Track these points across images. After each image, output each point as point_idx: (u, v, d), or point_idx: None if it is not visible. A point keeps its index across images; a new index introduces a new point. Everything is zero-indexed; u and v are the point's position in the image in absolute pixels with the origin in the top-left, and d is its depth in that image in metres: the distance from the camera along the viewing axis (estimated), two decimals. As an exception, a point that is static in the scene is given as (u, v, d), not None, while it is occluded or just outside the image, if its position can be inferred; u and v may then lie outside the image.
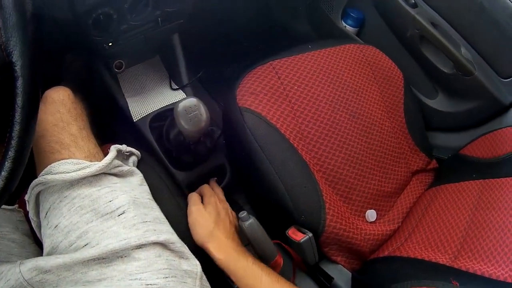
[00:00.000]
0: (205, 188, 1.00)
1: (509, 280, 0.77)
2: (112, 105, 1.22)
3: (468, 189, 1.09)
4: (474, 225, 0.96)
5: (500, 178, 1.05)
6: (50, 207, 0.71)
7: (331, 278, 1.05)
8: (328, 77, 1.18)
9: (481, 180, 1.09)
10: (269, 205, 1.05)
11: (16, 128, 0.54)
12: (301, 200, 0.98)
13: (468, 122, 1.45)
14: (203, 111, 0.89)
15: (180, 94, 1.27)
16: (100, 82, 1.22)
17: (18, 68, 0.55)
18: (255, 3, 1.70)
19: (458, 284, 0.79)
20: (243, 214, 0.88)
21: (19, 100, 0.55)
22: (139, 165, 0.87)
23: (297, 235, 0.96)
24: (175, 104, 0.89)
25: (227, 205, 0.99)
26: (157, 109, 1.20)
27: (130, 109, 1.20)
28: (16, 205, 0.90)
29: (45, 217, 0.72)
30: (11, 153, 0.54)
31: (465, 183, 1.12)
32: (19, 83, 0.55)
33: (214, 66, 1.57)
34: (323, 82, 1.16)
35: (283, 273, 0.96)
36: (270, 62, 1.15)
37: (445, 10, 1.37)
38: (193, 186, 1.07)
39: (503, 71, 1.33)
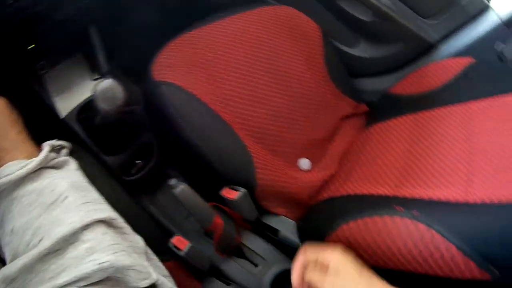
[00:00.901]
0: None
1: (460, 200, 0.80)
2: (41, 106, 1.21)
3: (401, 124, 1.11)
4: (413, 155, 0.98)
5: (433, 110, 1.08)
6: (3, 214, 0.71)
7: (277, 231, 1.06)
8: (242, 41, 1.17)
9: (413, 114, 1.11)
10: (199, 171, 1.05)
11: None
12: (228, 160, 0.99)
13: (394, 64, 1.46)
14: (119, 90, 0.90)
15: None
16: (26, 85, 1.21)
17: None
18: None
19: (402, 209, 0.81)
20: (173, 181, 0.88)
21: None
22: (72, 156, 0.86)
23: (231, 194, 0.96)
24: (94, 89, 0.91)
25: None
26: (81, 101, 1.19)
27: (57, 106, 1.19)
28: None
29: (1, 224, 0.72)
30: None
31: (398, 119, 1.14)
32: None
33: (134, 49, 1.56)
34: (237, 45, 1.16)
35: (228, 234, 1.00)
36: (182, 35, 1.14)
37: None
38: (125, 168, 1.10)
39: (423, 11, 1.35)
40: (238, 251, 1.08)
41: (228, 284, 1.05)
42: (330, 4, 1.41)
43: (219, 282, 1.06)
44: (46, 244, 0.62)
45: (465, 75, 1.15)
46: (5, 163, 0.72)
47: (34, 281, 0.62)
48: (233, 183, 0.99)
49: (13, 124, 0.82)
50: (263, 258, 1.07)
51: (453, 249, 0.73)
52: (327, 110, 1.25)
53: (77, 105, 1.18)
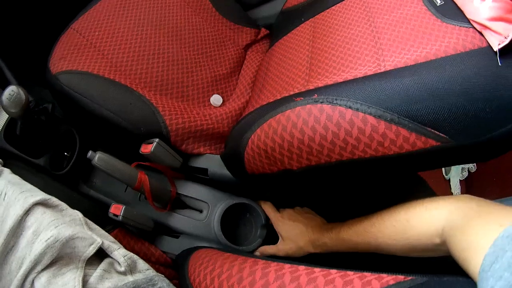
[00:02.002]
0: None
1: (370, 73, 0.63)
2: None
3: (300, 31, 0.98)
4: (317, 53, 0.83)
5: (327, 9, 0.93)
6: None
7: (206, 170, 0.96)
8: (125, 11, 1.05)
9: (310, 19, 0.97)
10: (115, 137, 0.96)
11: None
12: (133, 117, 0.88)
13: None
14: (21, 92, 0.83)
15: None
16: None
17: None
18: None
19: (302, 98, 0.67)
20: (89, 154, 0.79)
21: None
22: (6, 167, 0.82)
23: (147, 148, 0.86)
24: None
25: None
26: (4, 121, 1.04)
27: None
28: None
29: None
30: None
31: (297, 29, 1.00)
32: None
33: (36, 57, 1.39)
34: (121, 16, 1.04)
35: (158, 188, 0.89)
36: (71, 26, 1.02)
37: None
38: (56, 164, 1.00)
39: None
40: (179, 203, 0.98)
41: (177, 237, 0.95)
42: None
43: (169, 237, 0.96)
44: (0, 241, 0.60)
45: None
46: None
47: (2, 285, 0.61)
48: (148, 138, 0.89)
49: None
50: (205, 202, 0.96)
51: (371, 119, 0.57)
52: (226, 44, 1.13)
53: (2, 126, 1.05)
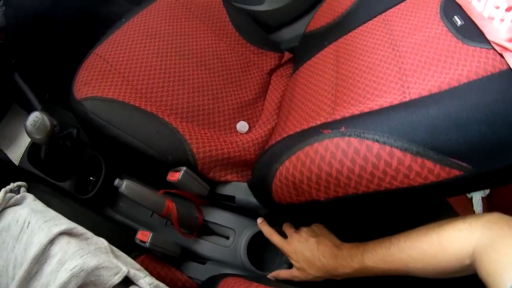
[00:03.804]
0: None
1: (395, 102, 0.67)
2: None
3: (324, 56, 1.01)
4: (341, 80, 0.87)
5: (351, 31, 0.96)
6: None
7: (233, 197, 0.99)
8: (149, 36, 1.10)
9: (333, 43, 1.01)
10: (142, 165, 1.00)
11: None
12: (161, 145, 0.92)
13: (305, 6, 1.36)
14: (45, 118, 0.86)
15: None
16: None
17: None
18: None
19: (329, 131, 0.70)
20: (116, 181, 0.83)
21: None
22: (30, 193, 0.86)
23: (175, 176, 0.90)
24: (25, 127, 0.88)
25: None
26: (27, 144, 1.14)
27: (10, 157, 1.14)
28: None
29: None
30: None
31: (320, 53, 1.04)
32: None
33: (60, 80, 1.46)
34: (145, 42, 1.08)
35: (186, 215, 0.94)
36: (94, 51, 1.07)
37: None
38: (81, 188, 1.06)
39: None
40: (206, 229, 1.02)
41: (204, 263, 1.00)
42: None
43: (196, 263, 1.00)
44: (23, 268, 0.63)
45: None
46: None
47: None
48: (175, 166, 0.93)
49: None
50: (231, 228, 1.01)
51: (397, 152, 0.60)
52: (251, 69, 1.18)
53: (26, 149, 1.13)
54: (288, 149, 0.77)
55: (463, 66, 0.62)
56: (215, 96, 1.06)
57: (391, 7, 0.89)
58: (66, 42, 1.51)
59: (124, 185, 0.85)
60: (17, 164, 1.13)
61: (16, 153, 1.18)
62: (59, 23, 1.47)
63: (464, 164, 0.58)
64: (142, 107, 0.95)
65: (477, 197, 1.61)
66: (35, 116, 0.87)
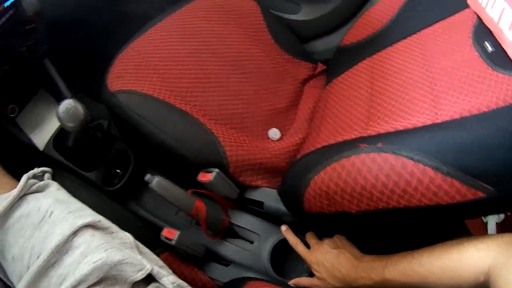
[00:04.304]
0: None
1: (428, 123, 0.74)
2: (19, 144, 1.22)
3: (359, 71, 1.07)
4: (375, 96, 0.93)
5: (386, 48, 1.03)
6: (2, 245, 0.73)
7: (261, 203, 1.05)
8: (185, 35, 1.16)
9: (368, 59, 1.07)
10: (174, 164, 1.04)
11: None
12: (195, 146, 0.97)
13: (341, 18, 1.43)
14: (79, 107, 0.91)
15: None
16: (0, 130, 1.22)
17: None
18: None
19: (366, 145, 0.76)
20: (148, 176, 0.88)
21: None
22: (55, 180, 0.90)
23: (206, 177, 0.95)
24: (56, 113, 0.92)
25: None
26: (54, 131, 1.20)
27: (34, 142, 1.20)
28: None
29: (3, 257, 0.73)
30: None
31: (355, 67, 1.10)
32: None
33: (90, 70, 1.55)
34: (181, 41, 1.14)
35: (213, 216, 0.99)
36: (129, 45, 1.13)
37: None
38: (107, 180, 1.11)
39: None
40: (231, 232, 1.07)
41: (227, 265, 1.05)
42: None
43: (218, 265, 1.06)
44: (42, 257, 0.65)
45: (409, 6, 1.09)
46: None
47: None
48: (206, 167, 0.98)
49: None
50: (256, 233, 1.06)
51: (429, 171, 0.66)
52: (285, 78, 1.23)
53: (51, 135, 1.19)
54: (324, 159, 0.83)
55: (492, 93, 0.68)
56: (249, 101, 1.11)
57: (425, 27, 0.95)
58: (99, 33, 1.60)
59: (156, 181, 0.89)
60: (41, 150, 1.18)
61: (41, 138, 1.22)
62: (93, 13, 1.57)
63: (489, 186, 0.63)
64: (177, 106, 1.00)
65: (492, 222, 1.70)
66: (69, 103, 0.91)
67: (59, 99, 1.25)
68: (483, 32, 0.80)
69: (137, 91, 1.01)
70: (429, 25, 0.95)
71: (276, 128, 1.12)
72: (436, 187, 0.67)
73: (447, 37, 0.88)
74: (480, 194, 0.63)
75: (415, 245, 0.79)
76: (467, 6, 0.87)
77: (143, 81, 1.03)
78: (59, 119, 0.91)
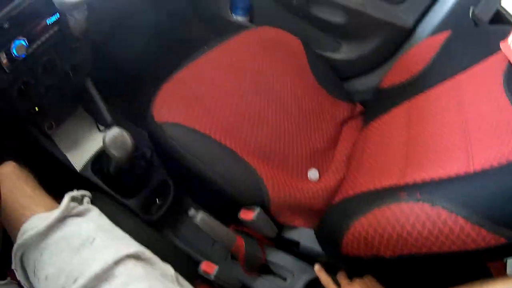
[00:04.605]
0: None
1: (461, 172, 0.83)
2: (54, 162, 1.35)
3: (397, 114, 1.22)
4: (412, 142, 1.06)
5: (423, 92, 1.18)
6: (34, 264, 0.79)
7: (298, 243, 1.18)
8: (231, 69, 1.32)
9: (406, 102, 1.22)
10: (214, 198, 1.18)
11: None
12: (238, 184, 1.09)
13: (380, 58, 1.61)
14: (126, 137, 1.05)
15: (108, 133, 1.40)
16: (35, 145, 1.36)
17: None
18: (145, 27, 1.84)
19: (406, 195, 0.89)
20: (192, 212, 1.01)
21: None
22: (94, 204, 0.99)
23: (247, 215, 1.06)
24: (103, 139, 1.06)
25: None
26: (93, 154, 1.36)
27: (71, 161, 1.35)
28: (8, 278, 0.97)
29: (34, 275, 0.79)
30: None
31: (393, 110, 1.25)
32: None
33: (130, 94, 1.77)
34: (227, 75, 1.31)
35: (251, 253, 1.12)
36: (175, 75, 1.29)
37: None
38: (144, 208, 1.24)
39: None
40: (265, 268, 1.20)
41: None
42: (305, 15, 1.57)
43: None
44: (81, 282, 0.70)
45: (445, 50, 1.24)
46: (27, 219, 0.85)
47: None
48: (248, 205, 1.12)
49: (26, 182, 0.96)
50: (290, 271, 1.19)
51: (460, 220, 0.77)
52: (326, 118, 1.39)
53: (90, 157, 1.34)
54: (365, 206, 0.96)
55: None
56: (290, 139, 1.24)
57: (460, 72, 1.09)
58: (143, 57, 1.78)
59: (200, 217, 1.03)
60: (78, 170, 1.32)
61: (78, 158, 1.36)
62: (138, 38, 1.75)
63: (509, 231, 0.72)
64: (223, 143, 1.14)
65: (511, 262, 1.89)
66: (116, 132, 1.05)
67: (98, 119, 1.43)
68: (513, 77, 0.90)
69: (184, 125, 1.15)
70: (464, 70, 1.09)
71: (315, 168, 1.26)
72: (465, 235, 0.77)
73: (480, 83, 1.02)
74: (503, 240, 0.73)
75: (439, 286, 0.88)
76: (499, 48, 1.00)
77: (189, 114, 1.18)
78: (105, 146, 1.04)
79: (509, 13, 1.35)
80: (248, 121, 1.22)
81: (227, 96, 1.25)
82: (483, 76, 1.03)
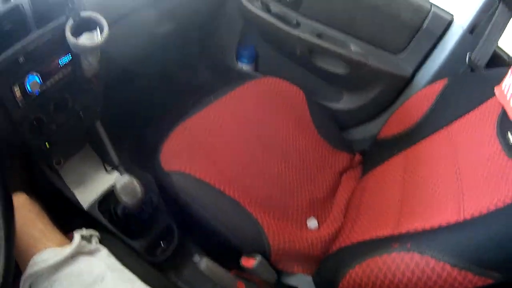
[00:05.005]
0: None
1: (452, 221, 0.89)
2: (60, 197, 1.42)
3: (393, 164, 1.30)
4: (407, 192, 1.12)
5: (419, 142, 1.25)
6: None
7: None
8: (235, 120, 1.42)
9: (402, 152, 1.29)
10: (217, 245, 1.24)
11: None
12: (241, 233, 1.18)
13: (379, 107, 1.71)
14: (136, 185, 1.13)
15: (115, 174, 1.51)
16: (43, 179, 1.43)
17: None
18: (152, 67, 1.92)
19: (397, 245, 0.95)
20: (196, 258, 1.09)
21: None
22: (101, 244, 1.05)
23: (248, 262, 1.12)
24: (114, 185, 1.13)
25: None
26: (100, 193, 1.43)
27: (78, 198, 1.42)
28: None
29: None
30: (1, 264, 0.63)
31: (390, 160, 1.33)
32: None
33: (137, 135, 1.88)
34: (231, 125, 1.40)
35: None
36: (182, 123, 1.39)
37: (325, 17, 1.63)
38: (150, 250, 1.31)
39: (393, 47, 1.59)
40: None
41: None
42: (308, 66, 1.67)
43: None
44: None
45: (441, 99, 1.29)
46: (37, 251, 0.90)
47: None
48: (249, 252, 1.16)
49: (38, 215, 1.02)
50: None
51: (448, 267, 0.82)
52: (325, 168, 1.48)
53: (98, 197, 1.42)
54: (360, 255, 1.02)
55: (510, 186, 0.81)
56: (291, 190, 1.33)
57: (456, 119, 1.15)
58: (148, 100, 1.87)
59: (204, 264, 1.09)
60: (85, 208, 1.38)
61: (85, 196, 1.43)
62: (143, 80, 1.84)
63: (498, 274, 0.77)
64: (226, 193, 1.22)
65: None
66: (127, 179, 1.12)
67: (105, 159, 1.51)
68: (506, 122, 0.93)
69: (191, 174, 1.24)
70: (459, 117, 1.15)
71: (314, 217, 1.32)
72: (452, 279, 0.82)
73: (474, 129, 1.07)
74: (489, 281, 0.78)
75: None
76: (493, 94, 1.05)
77: (195, 163, 1.26)
78: (116, 193, 1.12)
79: (506, 53, 1.42)
80: (251, 172, 1.31)
81: (232, 146, 1.34)
82: (477, 122, 1.07)
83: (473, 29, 1.44)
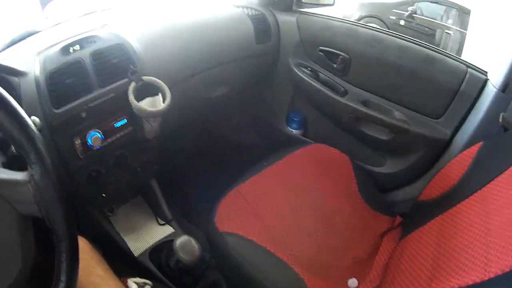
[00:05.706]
0: None
1: (477, 281, 0.91)
2: (112, 244, 1.56)
3: (430, 228, 1.37)
4: (439, 255, 1.17)
5: (453, 207, 1.32)
6: None
7: None
8: (286, 185, 1.59)
9: (439, 215, 1.37)
10: None
11: (62, 285, 0.66)
12: None
13: (419, 171, 1.82)
14: (194, 244, 1.30)
15: (167, 228, 1.68)
16: (96, 226, 1.58)
17: (60, 233, 0.66)
18: (196, 129, 2.13)
19: None
20: None
21: (63, 260, 0.66)
22: None
23: None
24: (173, 241, 1.29)
25: None
26: (152, 244, 1.59)
27: (129, 246, 1.56)
28: None
29: None
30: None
31: (428, 224, 1.40)
32: (62, 246, 0.67)
33: (188, 192, 2.05)
34: (282, 190, 1.57)
35: None
36: (236, 188, 1.56)
37: (370, 84, 1.78)
38: None
39: (433, 112, 1.70)
40: None
41: None
42: (354, 132, 1.83)
43: None
44: None
45: (476, 162, 1.35)
46: None
47: None
48: None
49: (98, 262, 1.10)
50: None
51: None
52: (367, 231, 1.60)
53: (149, 247, 1.57)
54: None
55: None
56: (336, 252, 1.42)
57: (490, 182, 1.15)
58: (198, 159, 2.02)
59: None
60: (135, 256, 1.53)
61: (136, 244, 1.57)
62: (193, 139, 2.00)
63: None
64: (274, 253, 1.36)
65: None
66: (186, 239, 1.28)
67: (157, 213, 1.67)
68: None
69: (243, 236, 1.39)
70: (493, 179, 1.15)
71: (355, 277, 1.41)
72: None
73: (506, 189, 1.07)
74: None
75: None
76: None
77: (249, 226, 1.42)
78: (175, 251, 1.26)
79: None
80: (298, 235, 1.46)
81: (281, 211, 1.50)
82: (509, 182, 1.09)
83: (505, 88, 1.49)
